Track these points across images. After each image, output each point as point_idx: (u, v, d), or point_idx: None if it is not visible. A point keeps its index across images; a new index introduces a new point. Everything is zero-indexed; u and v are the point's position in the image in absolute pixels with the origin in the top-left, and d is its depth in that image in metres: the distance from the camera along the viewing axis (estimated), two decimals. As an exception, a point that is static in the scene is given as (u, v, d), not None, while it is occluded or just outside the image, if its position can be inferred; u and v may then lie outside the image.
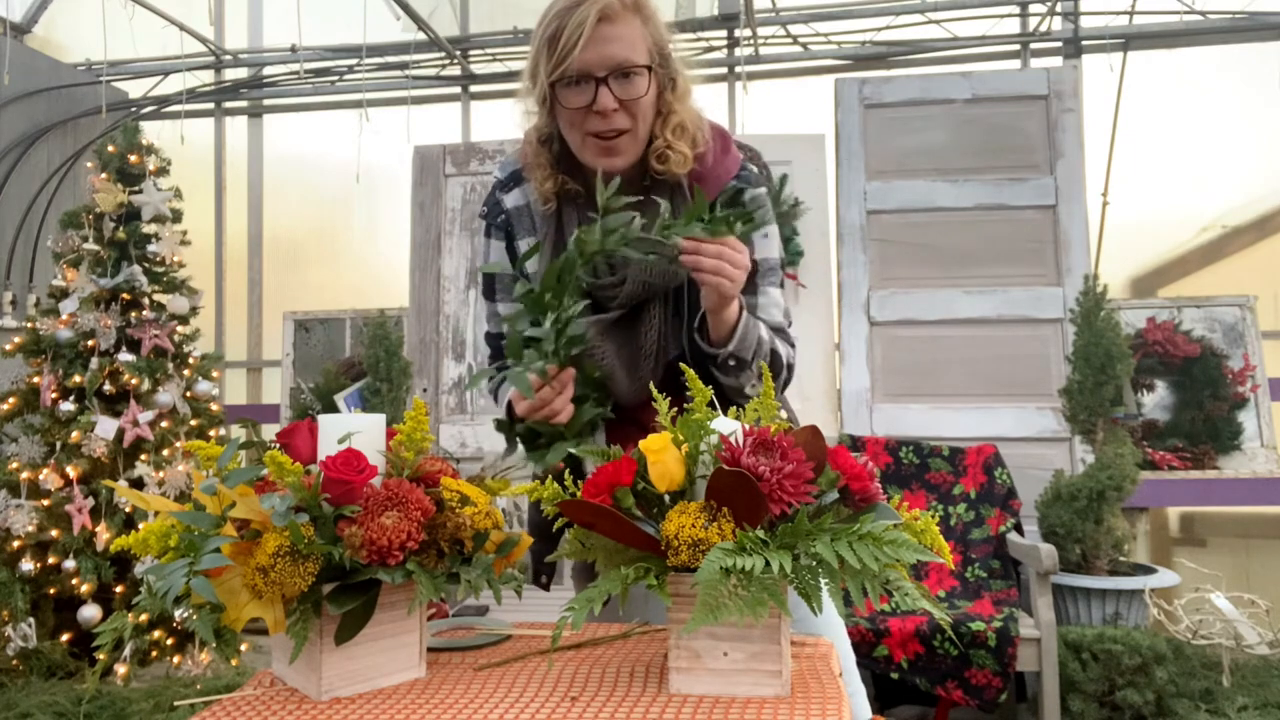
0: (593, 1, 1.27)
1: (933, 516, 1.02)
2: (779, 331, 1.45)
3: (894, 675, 2.68)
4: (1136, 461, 3.11)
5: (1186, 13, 4.10)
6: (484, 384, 1.49)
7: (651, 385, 1.16)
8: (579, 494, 1.04)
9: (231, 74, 5.14)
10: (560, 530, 1.14)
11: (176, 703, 2.24)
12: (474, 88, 4.87)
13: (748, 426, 0.99)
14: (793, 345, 1.48)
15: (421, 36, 4.43)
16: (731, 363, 1.33)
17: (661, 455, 1.00)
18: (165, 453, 3.13)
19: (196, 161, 4.95)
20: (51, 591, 2.96)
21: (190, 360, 3.31)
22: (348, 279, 4.91)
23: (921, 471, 3.30)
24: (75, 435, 3.03)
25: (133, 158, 3.30)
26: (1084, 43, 4.24)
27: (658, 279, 1.35)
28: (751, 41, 4.26)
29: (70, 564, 2.92)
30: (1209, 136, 4.12)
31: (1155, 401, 3.70)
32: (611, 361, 1.36)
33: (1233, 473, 3.55)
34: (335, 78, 4.87)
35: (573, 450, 1.21)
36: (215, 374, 3.45)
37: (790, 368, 1.46)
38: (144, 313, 3.22)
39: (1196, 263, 4.15)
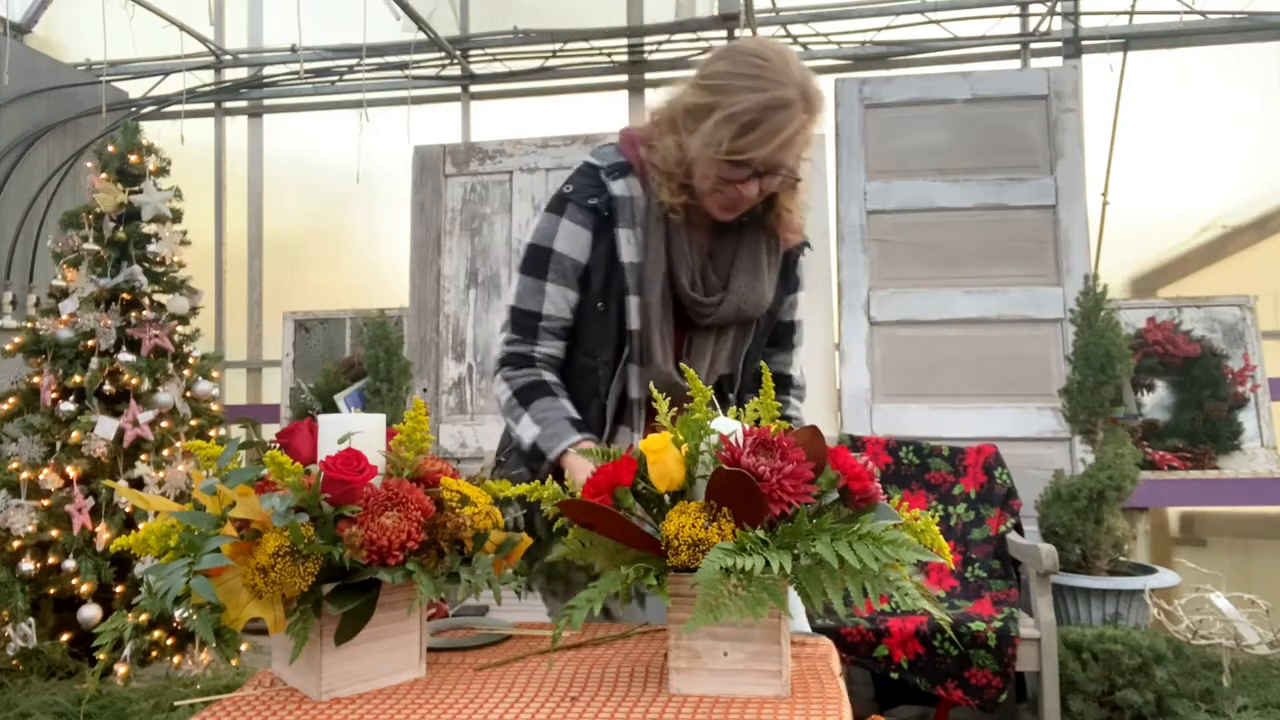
0: (796, 109, 1.32)
1: (933, 516, 1.02)
2: (799, 389, 1.63)
3: (894, 675, 2.68)
4: (1136, 461, 3.10)
5: (1186, 13, 4.09)
6: (502, 393, 1.50)
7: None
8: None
9: (231, 74, 5.13)
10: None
11: (176, 703, 2.24)
12: (474, 88, 4.87)
13: (747, 427, 0.99)
14: (802, 399, 1.63)
15: (421, 36, 4.43)
16: None
17: (661, 455, 1.00)
18: (165, 453, 3.13)
19: (196, 161, 4.94)
20: (51, 591, 2.96)
21: (190, 360, 3.31)
22: (348, 279, 4.90)
23: (921, 471, 3.30)
24: (75, 435, 3.03)
25: (133, 158, 3.29)
26: (1084, 43, 4.24)
27: (749, 308, 1.48)
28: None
29: (70, 564, 2.92)
30: (1209, 136, 4.12)
31: (1155, 401, 3.70)
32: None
33: (1233, 473, 3.55)
34: (335, 78, 4.87)
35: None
36: (215, 374, 3.45)
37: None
38: (144, 313, 3.21)
39: (1196, 263, 4.14)
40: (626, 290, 1.45)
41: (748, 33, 4.22)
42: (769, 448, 0.95)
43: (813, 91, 1.34)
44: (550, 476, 1.25)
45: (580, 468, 1.32)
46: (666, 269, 1.45)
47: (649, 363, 1.45)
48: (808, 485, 0.94)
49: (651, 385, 1.20)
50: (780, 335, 1.61)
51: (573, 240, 1.47)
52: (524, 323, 1.50)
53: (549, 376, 1.49)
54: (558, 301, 1.48)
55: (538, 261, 1.49)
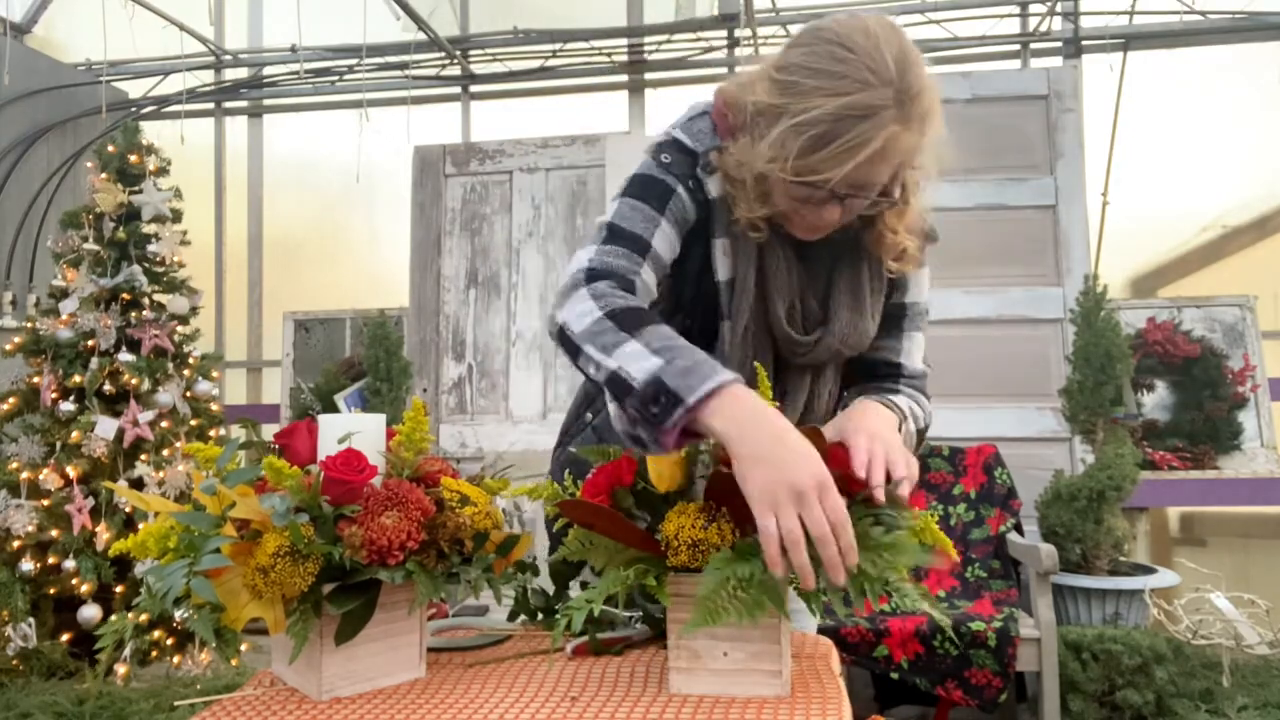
0: (883, 118, 1.01)
1: (933, 516, 1.01)
2: (914, 379, 1.32)
3: (894, 675, 2.68)
4: (1136, 461, 3.11)
5: (1186, 13, 4.09)
6: (583, 314, 1.04)
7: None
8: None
9: (231, 74, 5.13)
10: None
11: (176, 703, 2.24)
12: (474, 88, 4.86)
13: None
14: (928, 395, 1.33)
15: (421, 36, 4.43)
16: None
17: (662, 455, 1.00)
18: (165, 453, 3.13)
19: (196, 161, 4.94)
20: (51, 591, 2.96)
21: (190, 360, 3.31)
22: (348, 279, 4.90)
23: (921, 471, 3.30)
24: (75, 435, 3.03)
25: (133, 158, 3.30)
26: (1084, 43, 4.24)
27: (848, 349, 1.24)
28: (751, 41, 4.25)
29: (70, 564, 2.92)
30: (1209, 136, 4.12)
31: (1155, 401, 3.70)
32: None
33: (1233, 473, 3.55)
34: (335, 78, 4.87)
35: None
36: (215, 374, 3.45)
37: (923, 432, 1.29)
38: (144, 313, 3.21)
39: (1196, 263, 4.14)
40: (720, 315, 1.19)
41: (747, 33, 4.22)
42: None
43: (914, 90, 1.02)
44: (672, 438, 0.94)
45: (762, 418, 0.91)
46: (761, 294, 1.19)
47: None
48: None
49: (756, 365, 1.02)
50: (886, 317, 1.30)
51: (692, 210, 1.18)
52: (633, 242, 1.13)
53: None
54: (666, 244, 1.16)
55: (656, 193, 1.16)
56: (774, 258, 1.19)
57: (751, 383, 0.97)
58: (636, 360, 0.97)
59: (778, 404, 0.96)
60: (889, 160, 1.06)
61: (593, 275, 1.09)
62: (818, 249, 1.21)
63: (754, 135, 1.10)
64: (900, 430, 1.16)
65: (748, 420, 0.91)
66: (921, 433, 1.28)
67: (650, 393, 0.94)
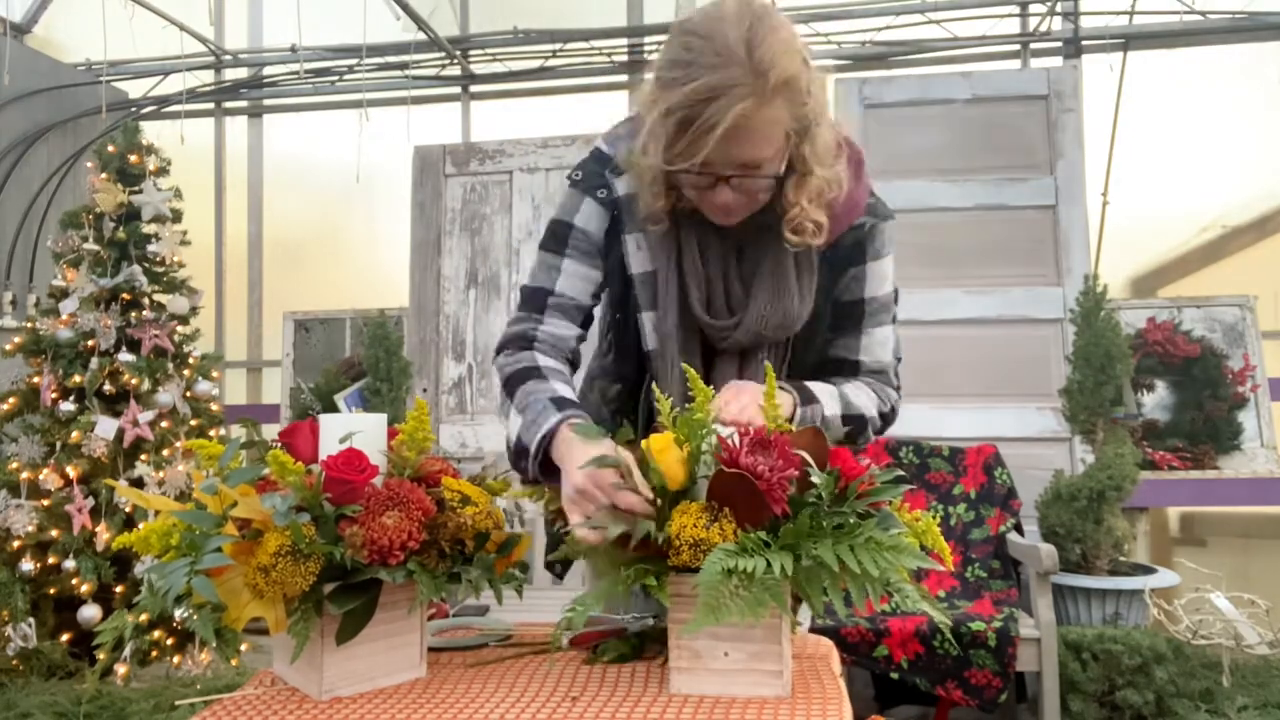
0: (733, 96, 1.06)
1: (933, 516, 1.02)
2: (879, 374, 1.33)
3: (894, 675, 2.68)
4: (1136, 461, 3.11)
5: (1186, 13, 4.09)
6: (498, 389, 1.29)
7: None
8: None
9: (231, 74, 5.13)
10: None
11: (176, 703, 2.24)
12: (474, 88, 4.87)
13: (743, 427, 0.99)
14: (896, 387, 1.35)
15: (421, 36, 4.43)
16: None
17: (663, 455, 1.00)
18: (165, 453, 3.13)
19: (196, 161, 4.94)
20: (51, 591, 2.96)
21: (190, 360, 3.31)
22: (348, 279, 4.90)
23: (921, 471, 3.30)
24: (75, 435, 3.03)
25: (133, 158, 3.29)
26: (1084, 43, 4.24)
27: (771, 331, 1.25)
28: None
29: (70, 564, 2.91)
30: (1209, 136, 4.12)
31: (1155, 401, 3.70)
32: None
33: (1233, 473, 3.55)
34: (335, 78, 4.87)
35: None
36: (215, 374, 3.45)
37: (884, 416, 1.32)
38: (144, 313, 3.21)
39: (1196, 263, 4.14)
40: (638, 306, 1.28)
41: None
42: (767, 447, 0.95)
43: (764, 65, 1.07)
44: (541, 474, 1.15)
45: (569, 448, 1.10)
46: (678, 284, 1.26)
47: (671, 391, 1.22)
48: (787, 474, 0.93)
49: (655, 387, 1.13)
50: (841, 316, 1.31)
51: (596, 219, 1.29)
52: (531, 300, 1.30)
53: (544, 361, 1.26)
54: (574, 280, 1.29)
55: (556, 236, 1.30)
56: (689, 245, 1.25)
57: (683, 378, 1.08)
58: (512, 425, 1.21)
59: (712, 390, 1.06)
60: (752, 136, 1.10)
61: (501, 348, 1.31)
62: (743, 233, 1.25)
63: (642, 132, 1.17)
64: (794, 411, 1.20)
65: (565, 454, 1.11)
66: (861, 417, 1.28)
67: (515, 449, 1.19)
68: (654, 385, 1.23)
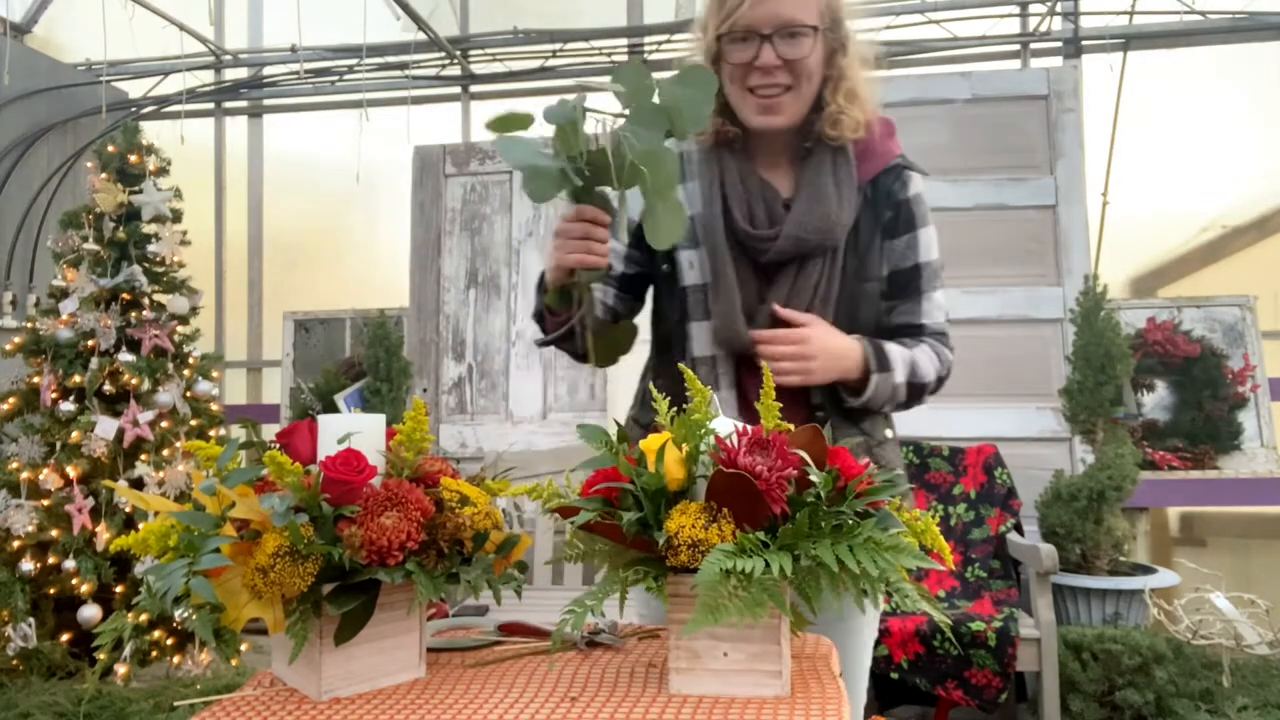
0: None
1: (933, 516, 1.02)
2: (939, 335, 1.43)
3: (894, 675, 2.68)
4: (1136, 461, 3.11)
5: (1186, 13, 4.09)
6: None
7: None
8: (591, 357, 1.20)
9: (231, 74, 5.13)
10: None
11: (176, 703, 2.24)
12: (474, 88, 4.86)
13: (741, 426, 0.99)
14: (951, 348, 1.45)
15: (421, 36, 4.43)
16: (856, 406, 1.35)
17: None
18: (165, 453, 3.13)
19: (196, 161, 4.94)
20: (51, 591, 2.96)
21: (190, 360, 3.31)
22: (348, 279, 4.90)
23: (921, 471, 3.30)
24: (75, 435, 3.03)
25: (133, 158, 3.30)
26: (1084, 43, 4.23)
27: (812, 234, 1.33)
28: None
29: (70, 564, 2.92)
30: (1209, 136, 4.12)
31: (1155, 401, 3.70)
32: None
33: (1233, 473, 3.55)
34: (335, 78, 4.87)
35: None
36: (215, 374, 3.45)
37: (940, 380, 1.42)
38: (144, 313, 3.21)
39: (1196, 263, 4.14)
40: (680, 246, 1.38)
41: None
42: (765, 447, 0.95)
43: None
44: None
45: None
46: (722, 208, 1.36)
47: (711, 317, 1.35)
48: (786, 474, 0.93)
49: (682, 367, 1.10)
50: (899, 284, 1.41)
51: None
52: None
53: None
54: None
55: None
56: (732, 174, 1.37)
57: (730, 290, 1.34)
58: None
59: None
60: None
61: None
62: (790, 163, 1.39)
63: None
64: (864, 361, 1.32)
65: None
66: (923, 385, 1.39)
67: (538, 287, 1.41)
68: (690, 329, 1.37)
